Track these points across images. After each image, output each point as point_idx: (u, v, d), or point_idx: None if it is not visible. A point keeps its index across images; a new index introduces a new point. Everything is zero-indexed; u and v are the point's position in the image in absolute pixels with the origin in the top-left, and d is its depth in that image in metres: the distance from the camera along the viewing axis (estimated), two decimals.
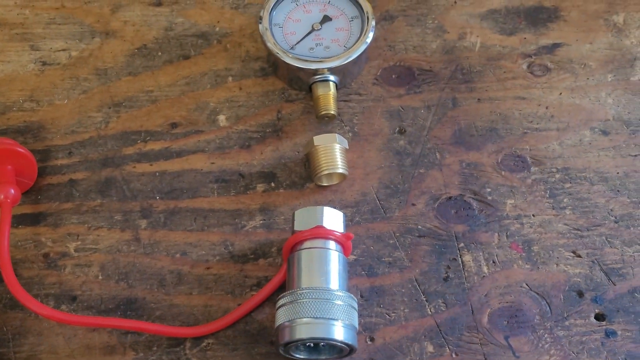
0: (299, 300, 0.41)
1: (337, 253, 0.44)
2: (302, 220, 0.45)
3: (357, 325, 0.42)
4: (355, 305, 0.43)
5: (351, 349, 0.42)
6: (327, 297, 0.41)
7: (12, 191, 0.47)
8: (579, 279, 0.47)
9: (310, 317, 0.41)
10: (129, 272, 0.48)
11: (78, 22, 0.58)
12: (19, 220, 0.50)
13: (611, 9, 0.58)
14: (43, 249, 0.49)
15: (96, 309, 0.47)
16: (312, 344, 0.43)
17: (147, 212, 0.50)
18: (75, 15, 0.58)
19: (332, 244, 0.44)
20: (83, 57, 0.56)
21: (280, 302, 0.42)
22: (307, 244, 0.44)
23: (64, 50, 0.57)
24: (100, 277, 0.48)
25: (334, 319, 0.41)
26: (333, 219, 0.45)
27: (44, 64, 0.56)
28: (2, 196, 0.46)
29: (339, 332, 0.41)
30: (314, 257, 0.44)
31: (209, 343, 0.46)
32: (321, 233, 0.44)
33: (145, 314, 0.47)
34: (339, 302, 0.42)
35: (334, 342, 0.41)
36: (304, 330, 0.41)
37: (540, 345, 0.45)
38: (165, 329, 0.45)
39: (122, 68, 0.56)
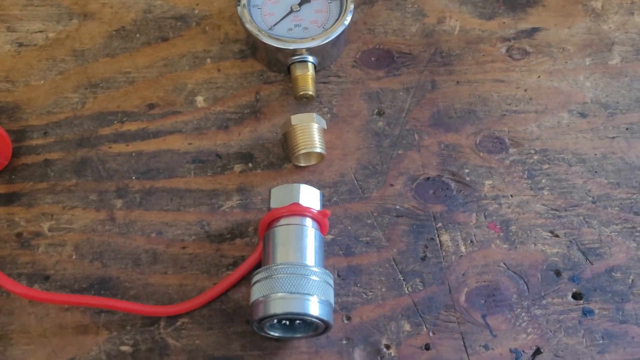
0: (274, 276, 0.41)
1: (313, 230, 0.44)
2: (278, 197, 0.45)
3: (332, 302, 0.42)
4: (331, 282, 0.42)
5: (327, 326, 0.42)
6: (303, 273, 0.41)
7: None
8: (556, 259, 0.47)
9: (285, 292, 0.40)
10: (104, 252, 0.47)
11: (55, 4, 0.57)
12: None
13: None
14: (16, 228, 0.48)
15: (69, 289, 0.46)
16: (287, 322, 0.43)
17: (123, 192, 0.49)
18: None
19: (308, 221, 0.44)
20: (60, 38, 0.56)
21: (256, 278, 0.42)
22: (283, 221, 0.44)
23: (41, 31, 0.56)
24: (74, 257, 0.47)
25: (309, 294, 0.40)
26: (310, 196, 0.45)
27: (21, 45, 0.55)
28: None
29: (314, 308, 0.40)
30: (290, 233, 0.43)
31: (183, 322, 0.45)
32: (297, 210, 0.44)
33: (119, 294, 0.46)
34: (314, 277, 0.41)
35: (309, 318, 0.40)
36: (279, 305, 0.40)
37: (517, 323, 0.45)
38: (140, 307, 0.44)
39: (100, 50, 0.55)
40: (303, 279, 0.41)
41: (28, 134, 0.52)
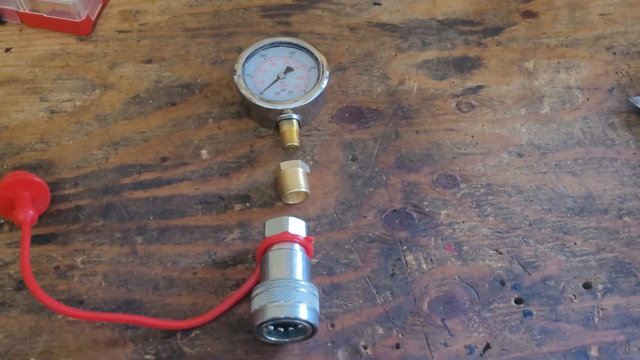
0: (270, 289, 0.51)
1: (300, 252, 0.54)
2: (271, 228, 0.55)
3: (318, 309, 0.52)
4: (317, 294, 0.52)
5: (314, 329, 0.51)
6: (294, 286, 0.51)
7: (31, 212, 0.56)
8: (501, 272, 0.58)
9: (280, 301, 0.50)
10: (128, 279, 0.57)
11: (81, 77, 0.69)
12: (33, 240, 0.58)
13: (523, 57, 0.71)
14: (54, 262, 0.58)
15: (100, 310, 0.55)
16: (282, 328, 0.52)
17: (143, 230, 0.60)
18: (78, 72, 0.69)
19: (296, 246, 0.54)
20: (85, 106, 0.67)
21: (255, 292, 0.52)
22: (276, 247, 0.54)
23: (69, 100, 0.67)
24: (103, 284, 0.57)
25: (299, 302, 0.50)
26: (297, 226, 0.55)
27: (52, 112, 0.66)
28: (22, 216, 0.56)
29: (304, 313, 0.50)
30: (282, 255, 0.53)
31: (196, 334, 0.54)
32: (287, 237, 0.54)
33: (142, 313, 0.55)
34: (303, 289, 0.51)
35: (299, 321, 0.50)
36: (275, 311, 0.50)
37: (470, 325, 0.55)
38: (160, 322, 0.54)
39: (119, 114, 0.66)
40: (294, 291, 0.51)
41: (61, 185, 0.62)
